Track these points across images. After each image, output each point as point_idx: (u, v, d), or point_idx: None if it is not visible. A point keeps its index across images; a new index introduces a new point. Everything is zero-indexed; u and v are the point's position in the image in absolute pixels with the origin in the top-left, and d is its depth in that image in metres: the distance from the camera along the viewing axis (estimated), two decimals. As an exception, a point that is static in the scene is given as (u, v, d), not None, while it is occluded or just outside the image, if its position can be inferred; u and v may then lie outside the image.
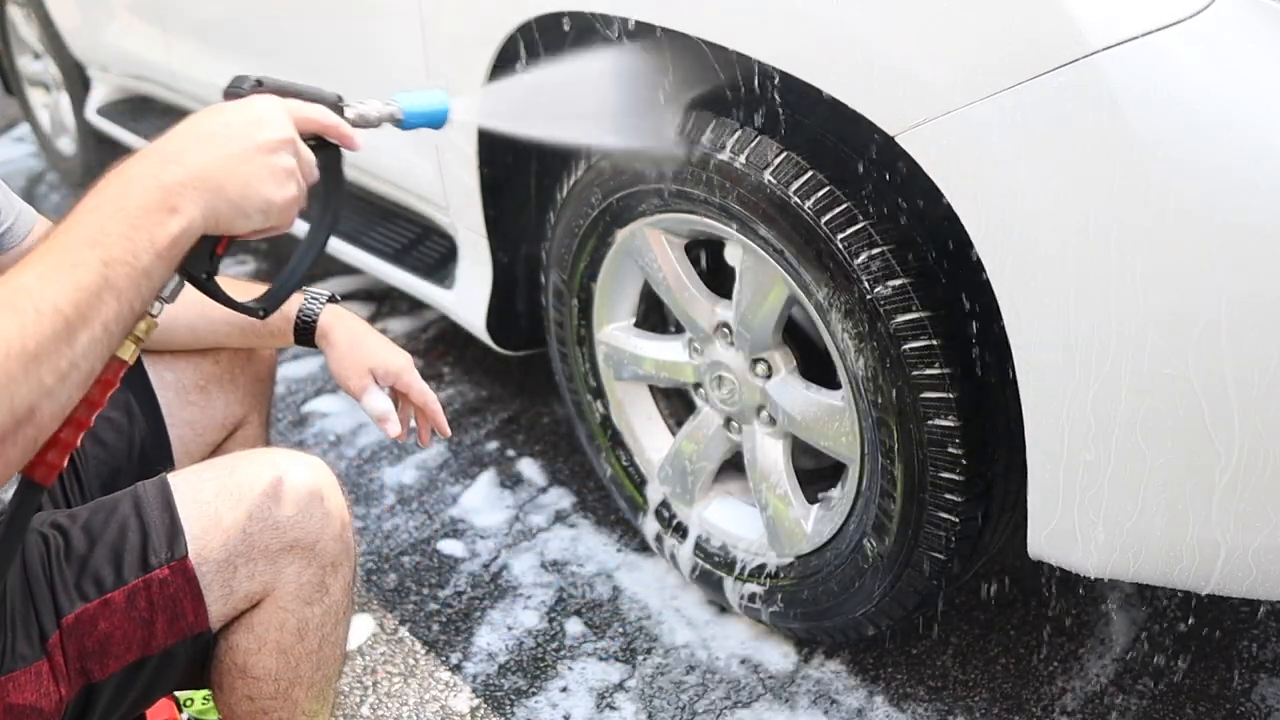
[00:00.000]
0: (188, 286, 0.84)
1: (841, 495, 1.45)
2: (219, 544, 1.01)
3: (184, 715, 1.47)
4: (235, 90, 0.85)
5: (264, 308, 0.91)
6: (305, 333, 1.27)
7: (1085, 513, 1.12)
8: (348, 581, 1.10)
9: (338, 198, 0.91)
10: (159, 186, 0.75)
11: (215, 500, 1.03)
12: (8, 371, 0.67)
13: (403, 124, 0.97)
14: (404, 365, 1.26)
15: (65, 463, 0.78)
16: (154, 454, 1.27)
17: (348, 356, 1.25)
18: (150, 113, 3.09)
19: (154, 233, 0.73)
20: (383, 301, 2.77)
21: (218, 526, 1.01)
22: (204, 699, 1.48)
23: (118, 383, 0.80)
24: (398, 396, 1.28)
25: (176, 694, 1.46)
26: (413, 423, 1.30)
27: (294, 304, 1.25)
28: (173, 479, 1.05)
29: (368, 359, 1.25)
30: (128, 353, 0.80)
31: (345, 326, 1.27)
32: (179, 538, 1.00)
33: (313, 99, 0.88)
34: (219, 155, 0.78)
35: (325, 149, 0.90)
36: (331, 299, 1.29)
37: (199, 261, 0.81)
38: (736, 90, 1.32)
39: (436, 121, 0.99)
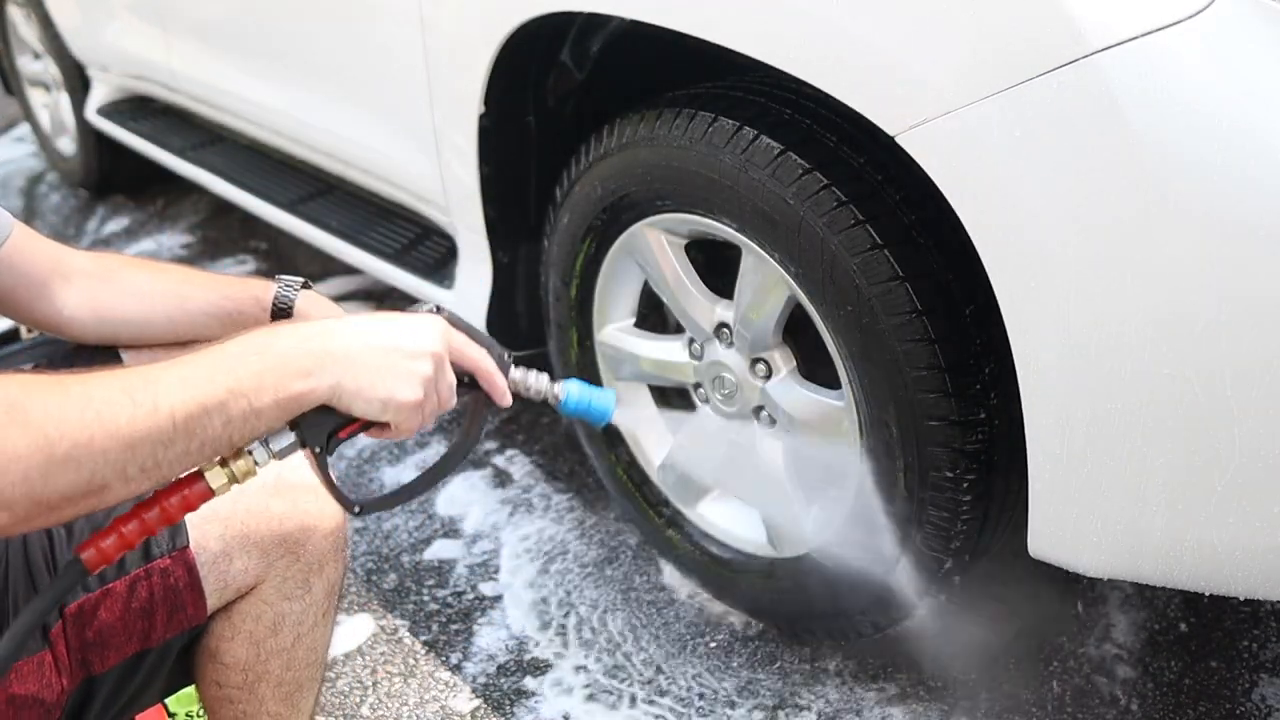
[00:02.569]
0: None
1: (841, 495, 1.45)
2: (217, 534, 1.02)
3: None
4: (416, 309, 0.91)
5: (361, 505, 0.94)
6: (282, 319, 1.26)
7: (1085, 513, 1.12)
8: (332, 584, 1.10)
9: (469, 442, 0.95)
10: (302, 350, 0.82)
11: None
12: (103, 448, 0.72)
13: (561, 408, 1.00)
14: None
15: (115, 558, 0.81)
16: None
17: None
18: (150, 113, 3.09)
19: (281, 382, 0.80)
20: (383, 301, 2.77)
21: (216, 516, 1.02)
22: (187, 715, 1.48)
23: (196, 508, 0.83)
24: None
25: (165, 703, 1.46)
26: None
27: (269, 292, 1.25)
28: None
29: None
30: (217, 484, 0.83)
31: (321, 312, 1.28)
32: (180, 528, 1.01)
33: (483, 343, 0.93)
34: (364, 343, 0.84)
35: (474, 391, 0.94)
36: (305, 285, 1.29)
37: (316, 434, 0.85)
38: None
39: (596, 421, 1.02)
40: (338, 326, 0.85)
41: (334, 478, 0.90)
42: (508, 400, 0.95)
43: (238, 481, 0.84)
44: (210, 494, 0.83)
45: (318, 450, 0.86)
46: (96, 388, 0.74)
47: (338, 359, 0.82)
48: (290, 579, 1.06)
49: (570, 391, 1.00)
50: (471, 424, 0.96)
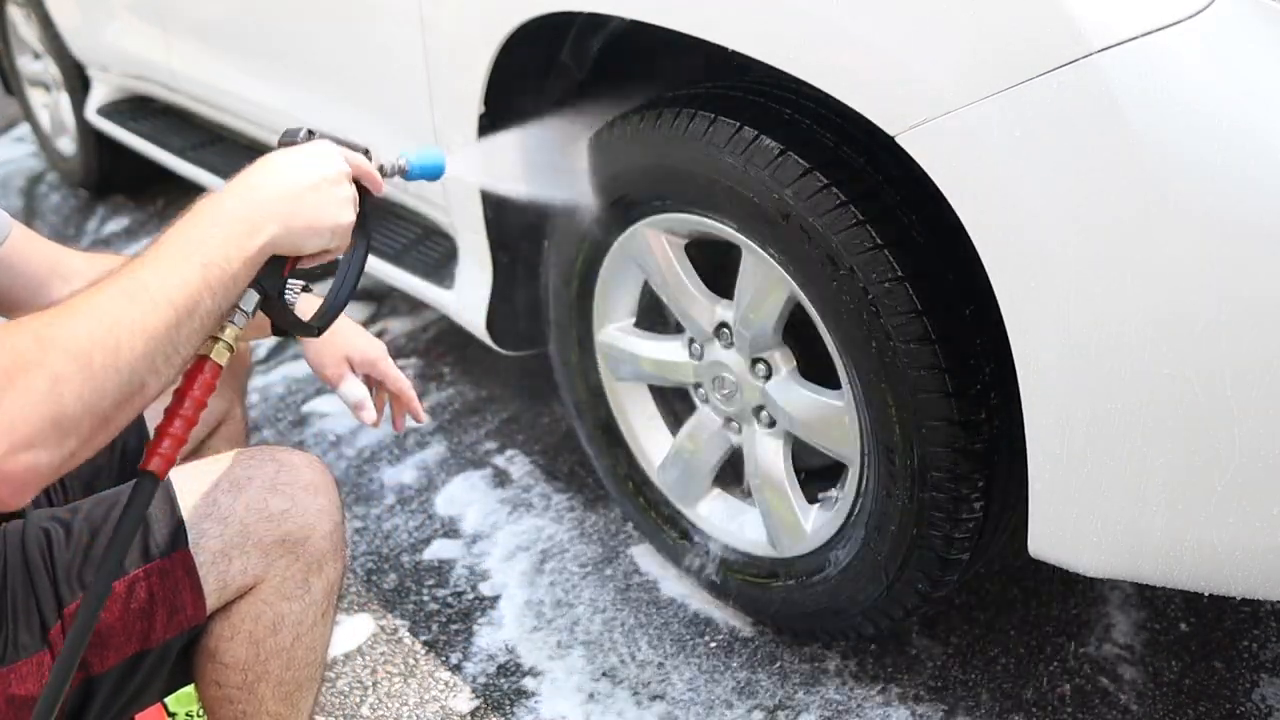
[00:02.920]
0: None
1: (841, 495, 1.45)
2: (216, 533, 1.02)
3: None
4: (290, 139, 0.98)
5: (319, 325, 1.03)
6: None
7: (1085, 513, 1.12)
8: (331, 583, 1.10)
9: (367, 230, 1.04)
10: (246, 209, 0.89)
11: (214, 490, 1.04)
12: (132, 349, 0.78)
13: (407, 175, 1.11)
14: (379, 353, 1.31)
15: (177, 456, 0.88)
16: (135, 453, 1.27)
17: (325, 345, 1.29)
18: (150, 113, 3.09)
19: (242, 243, 0.87)
20: (383, 301, 2.77)
21: (215, 515, 1.03)
22: (187, 715, 1.48)
23: (216, 385, 0.90)
24: (373, 384, 1.33)
25: (165, 703, 1.46)
26: (389, 410, 1.35)
27: None
28: (173, 473, 1.06)
29: (344, 347, 1.30)
30: (223, 359, 0.91)
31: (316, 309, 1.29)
32: (180, 529, 1.01)
33: (350, 148, 1.02)
34: (294, 186, 0.92)
35: (361, 193, 1.03)
36: (306, 288, 1.30)
37: (271, 280, 0.93)
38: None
39: (436, 174, 1.13)
40: (262, 178, 0.92)
41: (293, 317, 0.99)
42: (383, 187, 1.05)
43: (233, 349, 0.91)
44: (220, 368, 0.90)
45: (277, 294, 0.95)
46: (101, 300, 0.80)
47: (279, 206, 0.90)
48: (290, 579, 1.06)
49: (410, 159, 1.11)
50: (364, 217, 1.03)
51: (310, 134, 0.99)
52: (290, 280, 1.28)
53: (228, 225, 0.87)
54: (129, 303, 0.80)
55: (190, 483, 1.05)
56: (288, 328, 1.00)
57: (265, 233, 0.88)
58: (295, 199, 0.91)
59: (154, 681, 1.06)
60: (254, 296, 0.92)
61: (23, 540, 1.00)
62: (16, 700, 0.95)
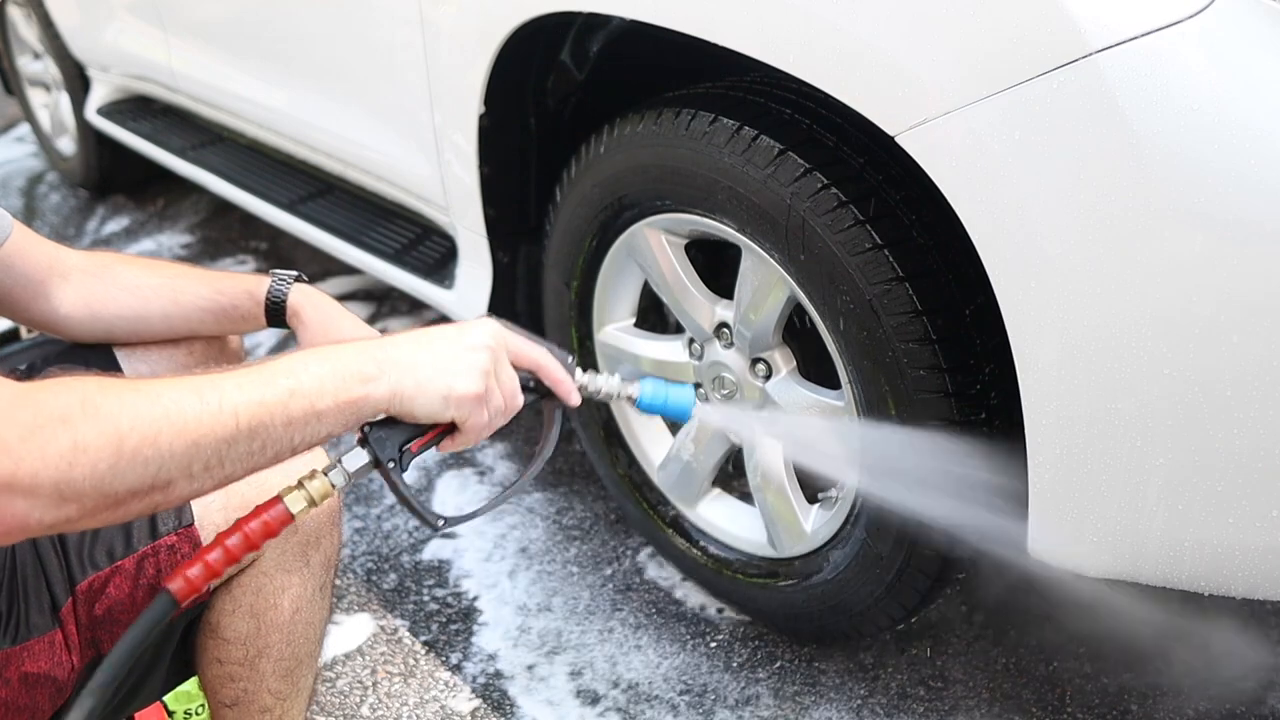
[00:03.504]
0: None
1: (841, 495, 1.45)
2: (218, 506, 1.04)
3: None
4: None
5: (445, 519, 0.94)
6: (276, 313, 1.29)
7: (1085, 513, 1.12)
8: (329, 557, 1.12)
9: (546, 447, 0.96)
10: (363, 356, 0.84)
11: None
12: (170, 444, 0.74)
13: (638, 406, 1.01)
14: None
15: (204, 588, 0.81)
16: None
17: (319, 335, 1.28)
18: (150, 113, 3.09)
19: (341, 386, 0.82)
20: (383, 301, 2.77)
21: (218, 490, 1.04)
22: (185, 714, 1.48)
23: (278, 533, 0.84)
24: None
25: (164, 701, 1.46)
26: None
27: (263, 286, 1.27)
28: None
29: (338, 336, 1.28)
30: (296, 508, 0.84)
31: (315, 305, 1.30)
32: (185, 505, 1.03)
33: (542, 344, 0.94)
34: (424, 348, 0.87)
35: (547, 398, 0.96)
36: (299, 278, 1.30)
37: (387, 448, 0.86)
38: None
39: (676, 418, 1.03)
40: (398, 338, 0.88)
41: (410, 494, 0.90)
42: (576, 399, 0.97)
43: (315, 504, 0.85)
44: (290, 518, 0.84)
45: (390, 464, 0.86)
46: (165, 387, 0.76)
47: (397, 363, 0.85)
48: (289, 552, 1.08)
49: (645, 390, 1.00)
50: (547, 427, 0.97)
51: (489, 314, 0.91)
52: (285, 272, 1.29)
53: (335, 365, 0.83)
54: (194, 399, 0.77)
55: None
56: (403, 504, 0.92)
57: (370, 384, 0.83)
58: (416, 359, 0.86)
59: (159, 664, 1.07)
60: (363, 458, 0.86)
61: None
62: (29, 678, 0.96)
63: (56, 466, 0.71)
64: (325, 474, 0.85)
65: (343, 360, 0.83)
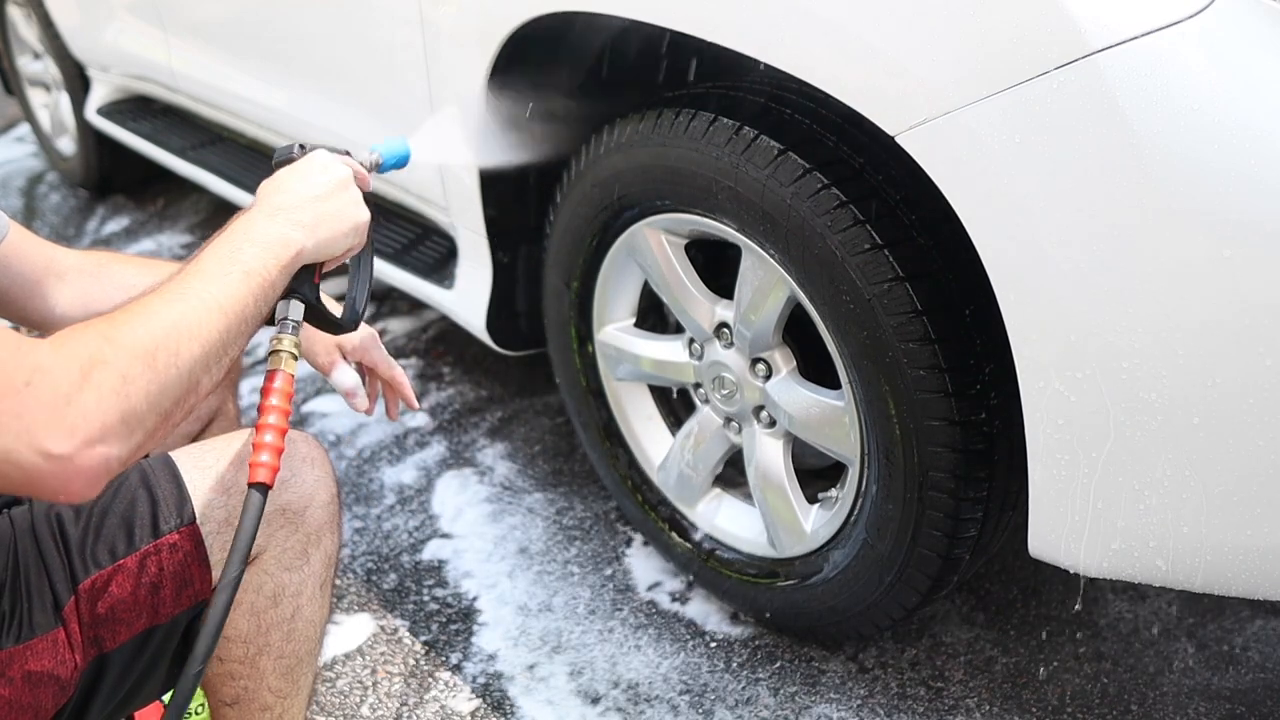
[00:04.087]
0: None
1: (841, 495, 1.45)
2: (220, 503, 1.04)
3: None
4: (286, 156, 1.06)
5: (353, 320, 1.11)
6: (272, 312, 1.29)
7: (1085, 513, 1.12)
8: (329, 555, 1.12)
9: (369, 228, 1.10)
10: (276, 224, 0.96)
11: (216, 464, 1.06)
12: (190, 351, 0.84)
13: (381, 168, 1.20)
14: (370, 340, 1.33)
15: (279, 463, 0.93)
16: None
17: (315, 333, 1.30)
18: (150, 113, 3.09)
19: (278, 254, 0.94)
20: (383, 301, 2.77)
21: (220, 486, 1.05)
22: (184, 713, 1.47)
23: (293, 395, 0.96)
24: (365, 372, 1.34)
25: (164, 700, 1.46)
26: (383, 398, 1.37)
27: None
28: (175, 454, 1.09)
29: (335, 335, 1.30)
30: (292, 367, 0.97)
31: None
32: (186, 504, 1.03)
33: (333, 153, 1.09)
34: (313, 195, 1.00)
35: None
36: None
37: (307, 288, 1.00)
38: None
39: (404, 163, 1.22)
40: (283, 197, 0.99)
41: (330, 315, 1.05)
42: (370, 183, 1.12)
43: (297, 356, 0.98)
44: (292, 376, 0.97)
45: (315, 299, 1.01)
46: (159, 306, 0.85)
47: (306, 218, 0.98)
48: (289, 549, 1.08)
49: (381, 152, 1.19)
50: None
51: (302, 148, 1.07)
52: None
53: (262, 239, 0.94)
54: (185, 308, 0.86)
55: (194, 460, 1.07)
56: (325, 327, 1.07)
57: (297, 243, 0.95)
58: (316, 209, 0.99)
59: (161, 662, 1.07)
60: (299, 306, 0.99)
61: (32, 521, 1.01)
62: (33, 676, 0.96)
63: (117, 401, 0.78)
64: (286, 332, 0.97)
65: (266, 232, 0.95)
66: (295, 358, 0.98)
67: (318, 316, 1.03)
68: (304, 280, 1.00)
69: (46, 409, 0.75)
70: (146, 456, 1.09)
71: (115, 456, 0.78)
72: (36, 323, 1.28)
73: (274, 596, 1.09)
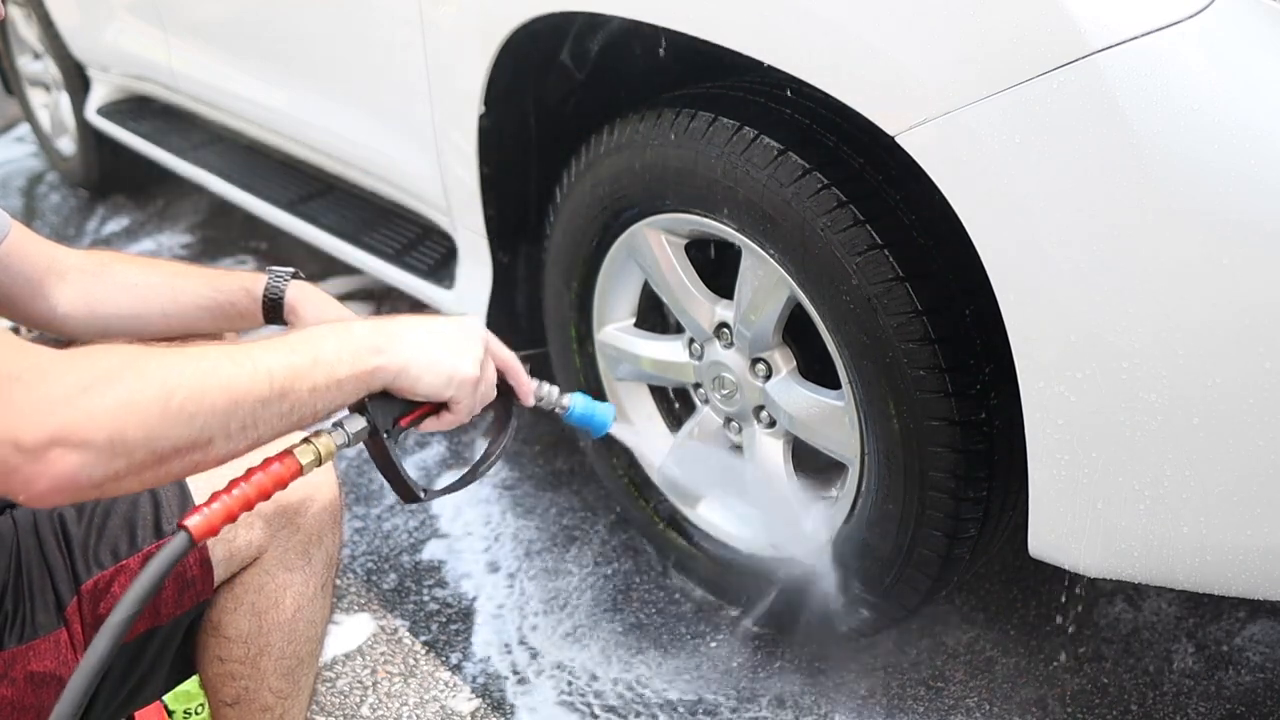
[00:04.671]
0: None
1: (841, 495, 1.45)
2: None
3: None
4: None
5: (425, 491, 1.01)
6: (273, 310, 1.30)
7: (1085, 513, 1.12)
8: (330, 556, 1.12)
9: (505, 434, 1.08)
10: (374, 333, 0.92)
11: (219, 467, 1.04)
12: (212, 401, 0.79)
13: (566, 417, 1.12)
14: None
15: (221, 528, 0.84)
16: None
17: (326, 312, 1.30)
18: (150, 113, 3.09)
19: (358, 358, 0.89)
20: (383, 301, 2.77)
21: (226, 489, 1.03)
22: (185, 713, 1.47)
23: (287, 484, 0.88)
24: None
25: (164, 701, 1.46)
26: None
27: (259, 283, 1.29)
28: None
29: None
30: (305, 460, 0.89)
31: (312, 302, 1.32)
32: (188, 502, 1.03)
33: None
34: (430, 332, 0.95)
35: (503, 393, 1.05)
36: (295, 275, 1.31)
37: (384, 418, 0.94)
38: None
39: (595, 433, 1.15)
40: (402, 320, 0.96)
41: (400, 463, 0.97)
42: (531, 400, 1.08)
43: (321, 462, 0.89)
44: (299, 470, 0.88)
45: (385, 434, 0.94)
46: (201, 351, 0.82)
47: (406, 341, 0.92)
48: (291, 550, 1.08)
49: (575, 403, 1.11)
50: (502, 420, 1.08)
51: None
52: (281, 269, 1.30)
53: (351, 339, 0.90)
54: (229, 363, 0.82)
55: None
56: (385, 470, 0.98)
57: (384, 355, 0.90)
58: (420, 342, 0.94)
59: (162, 663, 1.07)
60: (361, 423, 0.92)
61: (35, 521, 1.01)
62: (35, 677, 0.97)
63: (109, 422, 0.74)
64: (329, 433, 0.90)
65: (358, 334, 0.91)
66: (318, 461, 0.89)
67: (381, 453, 0.96)
68: (384, 408, 0.94)
69: (30, 403, 0.72)
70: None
71: (87, 473, 0.74)
72: (38, 322, 1.28)
73: (275, 597, 1.08)
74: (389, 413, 0.93)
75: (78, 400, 0.73)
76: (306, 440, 0.89)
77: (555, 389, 1.10)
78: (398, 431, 0.95)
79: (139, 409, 0.75)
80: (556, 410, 1.11)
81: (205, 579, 1.04)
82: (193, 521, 0.82)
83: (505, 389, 1.04)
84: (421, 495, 1.00)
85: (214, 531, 0.83)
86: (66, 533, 1.01)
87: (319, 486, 1.09)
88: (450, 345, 0.95)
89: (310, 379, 0.85)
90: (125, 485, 0.77)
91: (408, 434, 0.99)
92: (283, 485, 0.87)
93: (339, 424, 0.91)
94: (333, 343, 0.88)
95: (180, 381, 0.78)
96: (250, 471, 0.86)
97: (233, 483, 0.85)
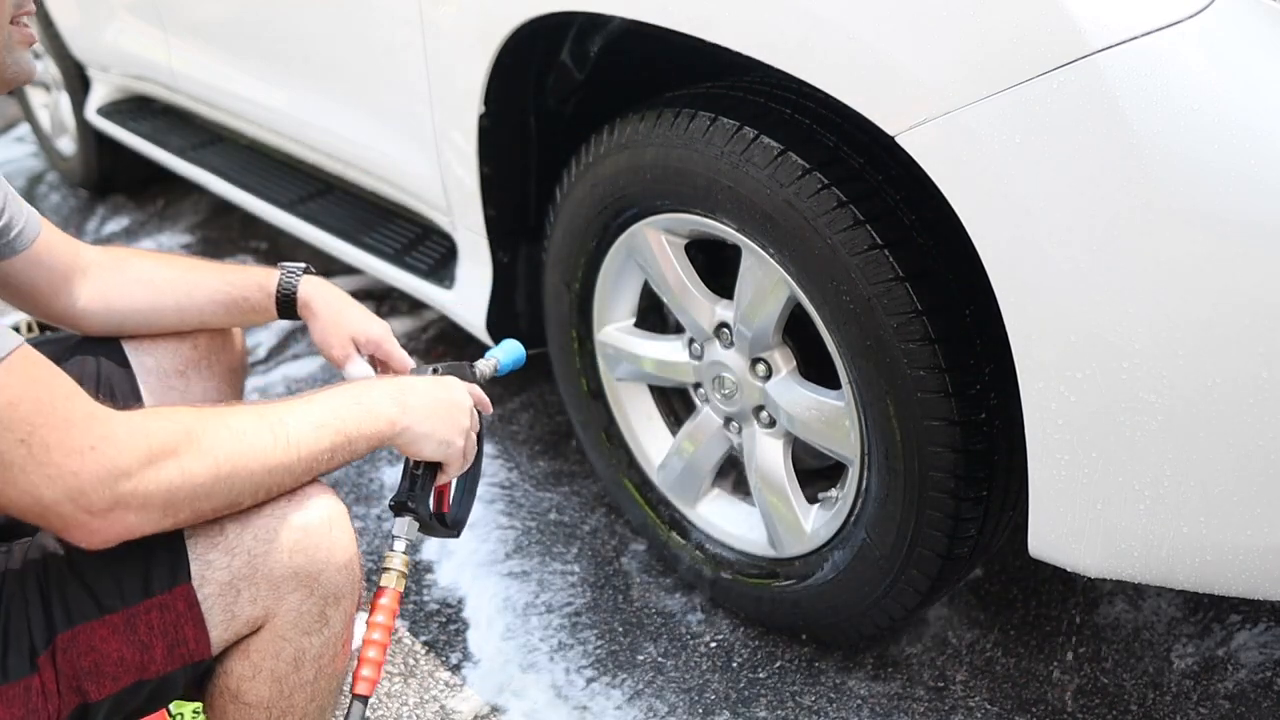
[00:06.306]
0: None
1: (841, 495, 1.45)
2: (223, 564, 0.98)
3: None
4: (422, 372, 1.22)
5: (455, 524, 1.24)
6: (287, 305, 1.33)
7: (1085, 513, 1.12)
8: (350, 614, 1.07)
9: (481, 447, 1.23)
10: (388, 400, 1.07)
11: (221, 519, 0.99)
12: (250, 473, 0.94)
13: (499, 372, 1.35)
14: (383, 333, 1.36)
15: (380, 675, 1.05)
16: None
17: (330, 326, 1.33)
18: (150, 113, 3.09)
19: (373, 423, 1.05)
20: (383, 301, 2.77)
21: (223, 545, 0.98)
22: (194, 711, 1.47)
23: (399, 610, 1.12)
24: (377, 364, 1.36)
25: (169, 709, 1.46)
26: None
27: (272, 279, 1.33)
28: None
29: (349, 327, 1.34)
30: (401, 585, 1.10)
31: (325, 297, 1.33)
32: (181, 561, 0.97)
33: (460, 373, 1.24)
34: (433, 398, 1.11)
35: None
36: (307, 270, 1.32)
37: (421, 508, 1.13)
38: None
39: (519, 364, 1.39)
40: (414, 387, 1.11)
41: (438, 528, 1.19)
42: (488, 402, 1.25)
43: (406, 575, 1.11)
44: (400, 595, 1.09)
45: (411, 505, 1.13)
46: (248, 423, 0.95)
47: (413, 409, 1.08)
48: (306, 613, 1.02)
49: (501, 361, 1.35)
50: (479, 439, 1.23)
51: (435, 370, 1.22)
52: (293, 264, 1.34)
53: (369, 405, 1.05)
54: (268, 435, 0.95)
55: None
56: (432, 533, 1.20)
57: (395, 423, 1.06)
58: (432, 409, 1.10)
59: (154, 703, 1.02)
60: (414, 525, 1.13)
61: (22, 563, 0.97)
62: None
63: (167, 490, 0.89)
64: (398, 551, 1.10)
65: (374, 401, 1.05)
66: (405, 576, 1.09)
67: (428, 531, 1.17)
68: (424, 494, 1.13)
69: (101, 474, 0.85)
70: None
71: (140, 528, 0.88)
72: (58, 318, 1.28)
73: (295, 661, 1.03)
74: (421, 500, 1.13)
75: (143, 472, 0.87)
76: (387, 569, 1.09)
77: (486, 363, 1.32)
78: (428, 502, 1.15)
79: (191, 480, 0.90)
80: (492, 374, 1.32)
81: (199, 638, 0.98)
82: (360, 689, 1.03)
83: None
84: (455, 532, 1.22)
85: (376, 684, 1.04)
86: (49, 577, 0.97)
87: (334, 548, 1.02)
88: (449, 414, 1.11)
89: (330, 444, 0.99)
90: (163, 530, 0.91)
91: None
92: (396, 614, 1.08)
93: (401, 535, 1.12)
94: (353, 410, 1.03)
95: (228, 456, 0.92)
96: (371, 622, 1.06)
97: (366, 641, 1.05)
